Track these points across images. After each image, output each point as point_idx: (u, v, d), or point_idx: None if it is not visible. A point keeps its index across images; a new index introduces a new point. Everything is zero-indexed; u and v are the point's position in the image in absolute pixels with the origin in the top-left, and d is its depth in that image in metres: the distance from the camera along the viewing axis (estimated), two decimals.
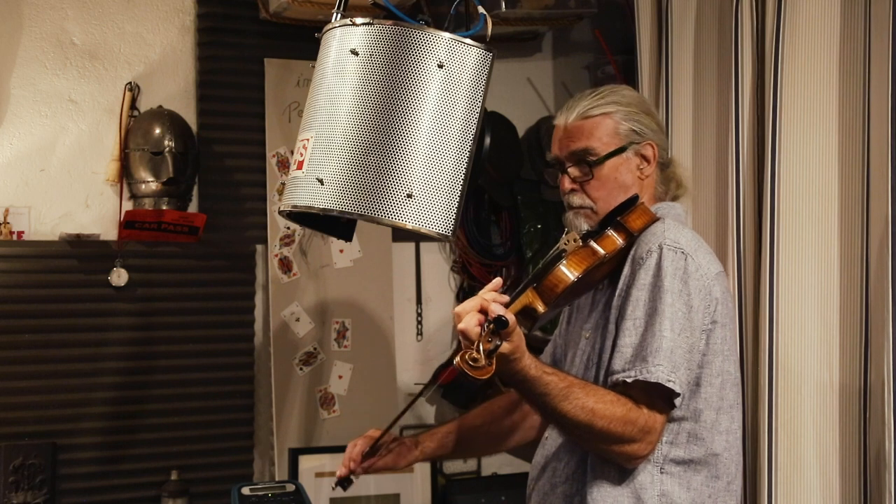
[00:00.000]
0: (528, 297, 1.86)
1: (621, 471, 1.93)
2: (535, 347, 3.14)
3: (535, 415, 2.32)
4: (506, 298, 1.78)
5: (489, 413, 2.37)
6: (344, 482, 2.22)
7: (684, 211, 2.14)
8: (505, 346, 1.72)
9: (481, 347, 1.68)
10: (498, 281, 1.83)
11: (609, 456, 1.91)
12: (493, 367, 1.68)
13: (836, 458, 2.46)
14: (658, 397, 1.87)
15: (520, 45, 3.51)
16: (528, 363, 1.79)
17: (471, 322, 1.72)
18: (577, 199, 2.08)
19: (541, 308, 1.86)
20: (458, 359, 1.66)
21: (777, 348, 2.50)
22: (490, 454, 2.35)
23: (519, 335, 1.76)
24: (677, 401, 1.88)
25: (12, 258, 2.86)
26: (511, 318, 1.71)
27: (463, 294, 3.42)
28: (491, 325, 1.69)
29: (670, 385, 1.84)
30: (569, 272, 1.87)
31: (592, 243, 1.92)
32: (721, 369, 1.95)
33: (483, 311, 1.73)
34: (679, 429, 1.94)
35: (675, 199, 2.14)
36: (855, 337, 2.43)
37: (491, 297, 1.76)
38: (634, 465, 1.92)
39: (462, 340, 1.74)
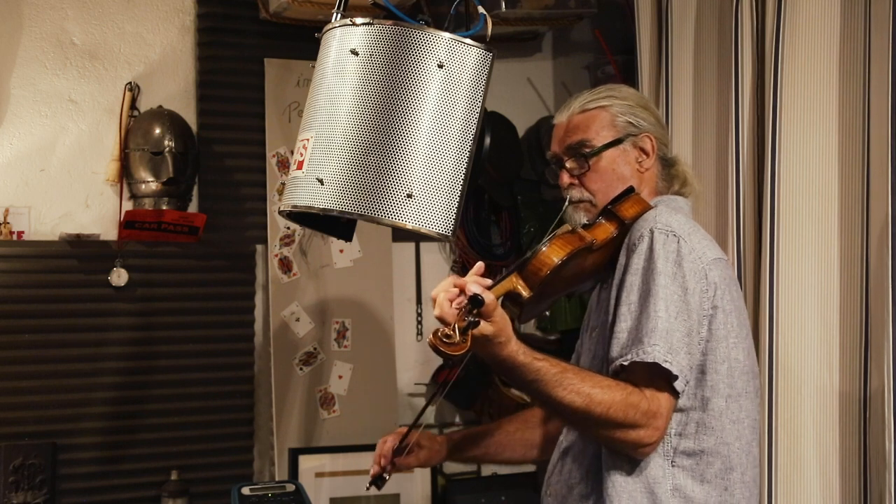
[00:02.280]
0: (512, 282, 1.85)
1: (634, 464, 1.89)
2: (538, 348, 3.10)
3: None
4: (487, 282, 1.76)
5: (523, 420, 2.35)
6: (378, 481, 2.16)
7: (687, 204, 2.11)
8: (486, 328, 1.71)
9: (456, 326, 1.66)
10: (480, 265, 1.82)
11: (616, 445, 1.87)
12: (468, 344, 1.65)
13: (836, 458, 2.46)
14: (660, 380, 1.83)
15: (520, 45, 3.51)
16: (516, 348, 1.76)
17: (444, 303, 1.71)
18: (576, 193, 2.08)
19: (525, 293, 1.84)
20: (431, 336, 1.65)
21: (777, 348, 2.50)
22: (520, 462, 2.34)
23: (502, 317, 1.73)
24: (678, 384, 1.83)
25: (12, 258, 2.85)
26: (489, 296, 1.69)
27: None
28: (467, 304, 1.67)
29: (667, 365, 1.80)
30: (552, 255, 1.85)
31: (580, 230, 1.92)
32: (726, 356, 1.90)
33: (459, 290, 1.72)
34: (687, 419, 1.90)
35: (679, 195, 2.12)
36: (855, 337, 2.43)
37: (472, 278, 1.75)
38: (645, 454, 1.87)
39: (438, 321, 1.73)
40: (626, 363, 1.83)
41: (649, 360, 1.81)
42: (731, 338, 1.91)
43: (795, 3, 2.52)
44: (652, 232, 1.89)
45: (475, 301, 1.67)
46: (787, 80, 2.53)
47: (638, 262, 1.89)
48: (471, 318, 1.67)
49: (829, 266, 2.49)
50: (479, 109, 1.82)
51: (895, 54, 2.29)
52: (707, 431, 1.90)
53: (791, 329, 2.51)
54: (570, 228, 1.93)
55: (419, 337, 3.39)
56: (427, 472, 3.17)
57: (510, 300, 1.85)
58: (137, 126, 2.99)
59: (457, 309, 1.70)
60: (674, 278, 1.85)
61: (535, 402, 2.11)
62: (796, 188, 2.52)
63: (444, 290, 1.74)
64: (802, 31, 2.51)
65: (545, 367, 1.79)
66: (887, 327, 2.27)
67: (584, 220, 2.03)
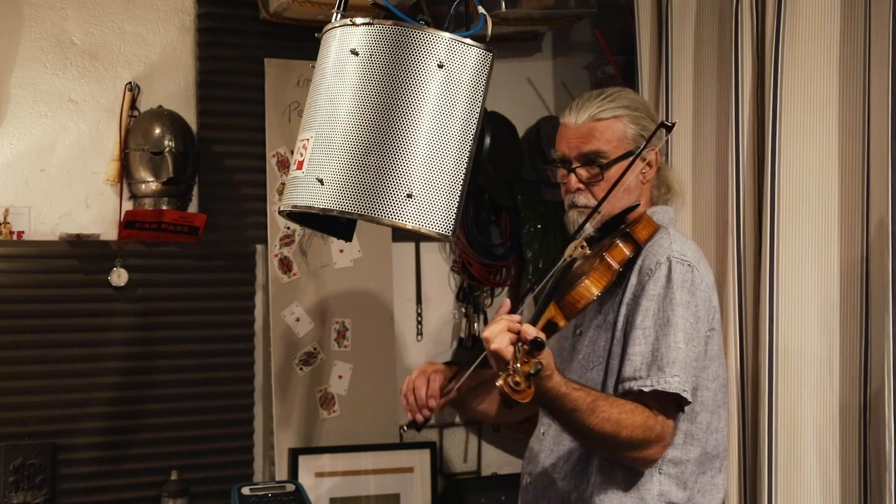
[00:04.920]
0: (551, 312, 1.89)
1: (626, 473, 1.99)
2: None
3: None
4: (519, 318, 1.79)
5: None
6: (421, 425, 2.10)
7: (675, 213, 2.20)
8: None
9: (520, 370, 1.68)
10: (507, 303, 1.86)
11: (627, 462, 1.97)
12: (533, 389, 1.69)
13: (836, 458, 2.46)
14: (669, 404, 1.94)
15: (520, 45, 3.51)
16: (558, 380, 1.82)
17: (503, 342, 1.74)
18: (582, 199, 2.11)
19: (562, 322, 1.89)
20: (500, 381, 1.67)
21: (777, 349, 2.51)
22: (493, 419, 2.37)
23: (549, 353, 1.78)
24: (687, 408, 1.96)
25: (12, 258, 2.85)
26: (543, 336, 1.73)
27: (462, 294, 3.42)
28: (526, 347, 1.70)
29: (685, 395, 1.91)
30: (593, 288, 1.91)
31: (607, 258, 1.95)
32: (716, 374, 2.03)
33: (512, 332, 1.74)
34: (675, 430, 1.99)
35: (665, 202, 2.19)
36: (855, 337, 2.43)
37: (515, 318, 1.78)
38: (647, 468, 1.99)
39: (495, 362, 1.76)
40: (646, 389, 1.91)
41: (671, 391, 1.90)
42: (719, 356, 2.05)
43: (795, 3, 2.52)
44: (670, 261, 1.97)
45: (537, 345, 1.70)
46: (787, 81, 2.53)
47: (654, 288, 1.96)
48: (536, 365, 1.69)
49: (829, 266, 2.49)
50: (479, 109, 1.82)
51: (895, 54, 2.29)
52: (693, 442, 2.01)
53: (791, 329, 2.51)
54: (584, 245, 1.95)
55: (419, 337, 3.39)
56: (427, 471, 3.17)
57: (547, 329, 1.88)
58: (137, 126, 2.99)
59: (512, 347, 1.72)
60: (688, 307, 1.95)
61: (559, 426, 2.09)
62: (796, 188, 2.52)
63: (500, 331, 1.75)
64: (802, 31, 2.51)
65: (581, 396, 1.86)
66: (887, 327, 2.27)
67: (589, 228, 2.05)
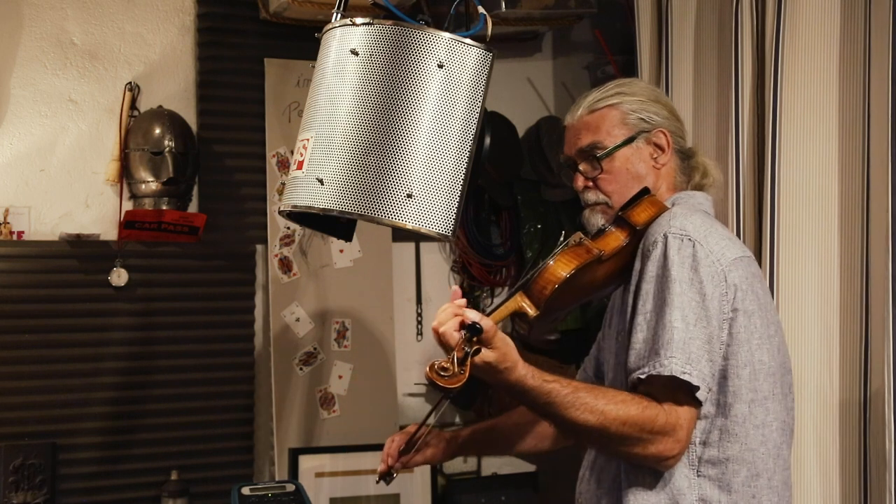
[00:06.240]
0: (516, 302, 1.82)
1: (656, 476, 1.84)
2: (539, 351, 3.07)
3: None
4: (464, 303, 1.75)
5: (526, 412, 2.29)
6: (386, 477, 2.25)
7: (706, 199, 2.05)
8: (488, 355, 1.68)
9: (455, 357, 1.63)
10: (457, 290, 1.82)
11: (638, 460, 1.83)
12: (466, 375, 1.62)
13: (836, 458, 2.46)
14: (680, 392, 1.79)
15: (520, 45, 3.51)
16: (524, 372, 1.73)
17: (449, 328, 1.68)
18: (591, 196, 2.04)
19: (531, 311, 1.81)
20: (427, 369, 1.61)
21: None
22: (531, 452, 2.34)
23: (504, 342, 1.70)
24: (700, 394, 1.78)
25: (12, 258, 2.85)
26: (486, 323, 1.67)
27: (463, 294, 3.42)
28: (466, 333, 1.65)
29: (685, 377, 1.75)
30: (557, 271, 1.81)
31: (586, 241, 1.87)
32: (749, 359, 1.84)
33: (458, 316, 1.69)
34: (710, 426, 1.85)
35: (699, 188, 2.07)
36: (855, 338, 2.43)
37: (461, 303, 1.73)
38: (669, 466, 1.83)
39: (442, 348, 1.70)
40: (643, 377, 1.79)
41: (666, 374, 1.76)
42: (753, 340, 1.85)
43: (795, 3, 2.52)
44: (666, 237, 1.84)
45: (473, 329, 1.64)
46: (787, 81, 2.53)
47: (652, 269, 1.84)
48: (468, 349, 1.64)
49: (829, 266, 2.48)
50: (479, 109, 1.81)
51: (895, 55, 2.29)
52: (731, 438, 1.84)
53: (791, 330, 2.50)
54: (578, 239, 1.88)
55: (419, 337, 3.39)
56: (427, 472, 3.17)
57: (519, 319, 1.82)
58: (137, 126, 2.99)
59: (458, 333, 1.67)
60: (690, 284, 1.80)
61: (548, 423, 2.06)
62: (796, 188, 2.52)
63: (447, 319, 1.70)
64: (802, 31, 2.51)
65: (556, 388, 1.75)
66: (887, 328, 2.27)
67: (602, 223, 1.97)
